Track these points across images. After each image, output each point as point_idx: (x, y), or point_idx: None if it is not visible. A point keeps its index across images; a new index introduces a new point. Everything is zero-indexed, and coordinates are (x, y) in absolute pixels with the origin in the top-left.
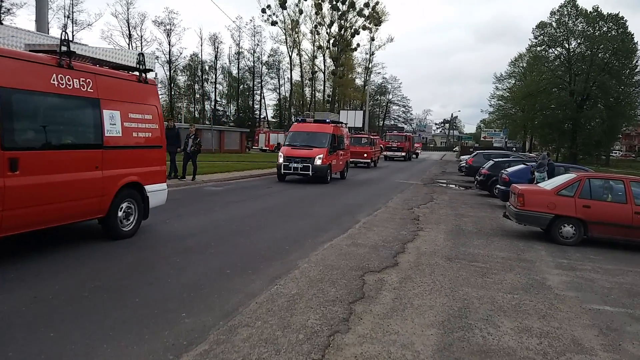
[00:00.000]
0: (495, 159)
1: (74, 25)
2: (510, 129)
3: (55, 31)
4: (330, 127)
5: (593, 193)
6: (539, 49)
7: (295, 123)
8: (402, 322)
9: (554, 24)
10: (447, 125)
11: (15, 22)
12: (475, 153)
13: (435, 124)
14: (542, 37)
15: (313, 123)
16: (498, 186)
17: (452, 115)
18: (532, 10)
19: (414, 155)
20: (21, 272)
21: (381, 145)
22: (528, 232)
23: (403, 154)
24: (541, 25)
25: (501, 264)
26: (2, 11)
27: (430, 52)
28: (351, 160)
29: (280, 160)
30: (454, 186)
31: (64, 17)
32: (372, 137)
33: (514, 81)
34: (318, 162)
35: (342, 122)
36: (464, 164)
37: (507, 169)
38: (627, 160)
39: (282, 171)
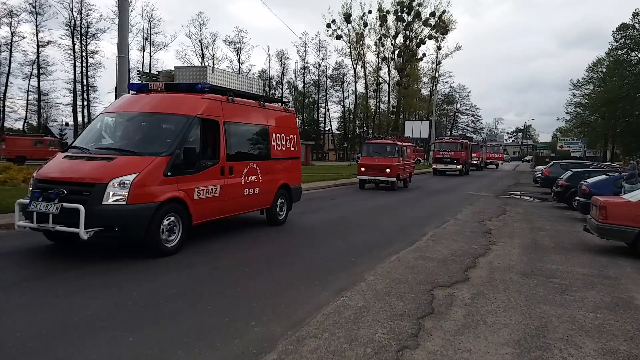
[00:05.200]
0: (573, 169)
1: (152, 46)
2: (589, 137)
3: (135, 53)
4: (196, 100)
5: None
6: (620, 52)
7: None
8: (474, 340)
9: (636, 25)
10: (519, 134)
11: (100, 46)
12: (551, 163)
13: (507, 133)
14: (623, 39)
15: (158, 94)
16: (577, 198)
17: (525, 124)
18: (620, 12)
19: (494, 166)
20: (104, 279)
21: (418, 158)
22: (611, 247)
23: (458, 166)
24: (622, 28)
25: (582, 281)
26: (88, 36)
27: (505, 59)
28: (368, 178)
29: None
30: (528, 198)
31: (142, 39)
32: (400, 143)
33: (592, 87)
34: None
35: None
36: (540, 175)
37: (587, 180)
38: None
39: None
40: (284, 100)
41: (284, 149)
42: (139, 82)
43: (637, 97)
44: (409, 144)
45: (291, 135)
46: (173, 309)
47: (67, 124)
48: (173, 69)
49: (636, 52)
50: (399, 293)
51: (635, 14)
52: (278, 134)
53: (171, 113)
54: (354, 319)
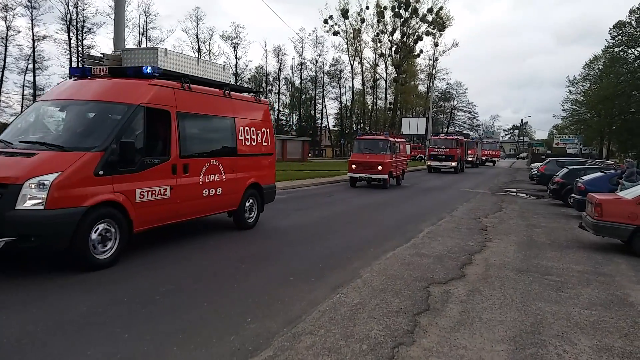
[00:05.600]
0: (569, 167)
1: (148, 41)
2: (585, 134)
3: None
4: (141, 86)
5: None
6: (616, 49)
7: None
8: (470, 337)
9: (633, 22)
10: (516, 131)
11: (95, 41)
12: (548, 160)
13: (504, 130)
14: (620, 37)
15: (100, 79)
16: (573, 195)
17: (521, 121)
18: (617, 9)
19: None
20: (99, 275)
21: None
22: (607, 244)
23: (453, 164)
24: (619, 25)
25: (577, 278)
26: (84, 31)
27: (503, 55)
28: (359, 176)
29: None
30: (524, 195)
31: (139, 34)
32: (393, 139)
33: (588, 84)
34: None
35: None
36: (536, 172)
37: (582, 177)
38: None
39: None
40: (255, 89)
41: (254, 144)
42: (82, 66)
43: (633, 94)
44: (402, 139)
45: (263, 129)
46: (169, 305)
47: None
48: (121, 51)
49: (632, 50)
50: (394, 290)
51: (632, 12)
52: (247, 128)
53: (110, 101)
54: (350, 316)
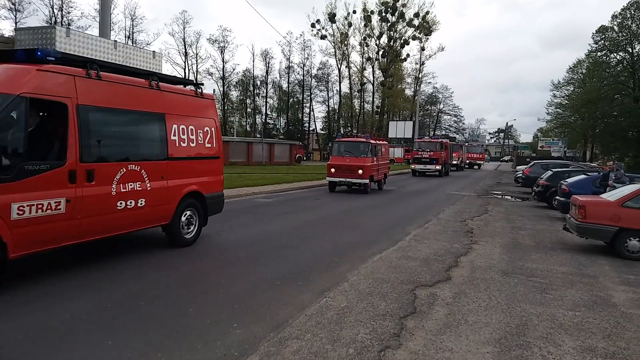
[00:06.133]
0: (554, 169)
1: (134, 44)
2: (569, 137)
3: None
4: (24, 72)
5: None
6: (599, 54)
7: None
8: (456, 339)
9: (615, 27)
10: (501, 134)
11: None
12: (532, 163)
13: (489, 133)
14: (602, 41)
15: None
16: (557, 197)
17: (507, 124)
18: (602, 14)
19: (476, 167)
20: (84, 281)
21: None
22: (590, 245)
23: (437, 167)
24: (602, 30)
25: (561, 280)
26: None
27: (489, 60)
28: (338, 180)
29: None
30: (509, 197)
31: (125, 37)
32: (374, 141)
33: (572, 88)
34: None
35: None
36: (521, 175)
37: (566, 180)
38: None
39: None
40: (196, 85)
41: (192, 145)
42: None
43: (616, 98)
44: (384, 142)
45: (206, 128)
46: (154, 311)
47: None
48: (14, 32)
49: (615, 54)
50: (381, 293)
51: (614, 17)
52: (183, 126)
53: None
54: (337, 320)
